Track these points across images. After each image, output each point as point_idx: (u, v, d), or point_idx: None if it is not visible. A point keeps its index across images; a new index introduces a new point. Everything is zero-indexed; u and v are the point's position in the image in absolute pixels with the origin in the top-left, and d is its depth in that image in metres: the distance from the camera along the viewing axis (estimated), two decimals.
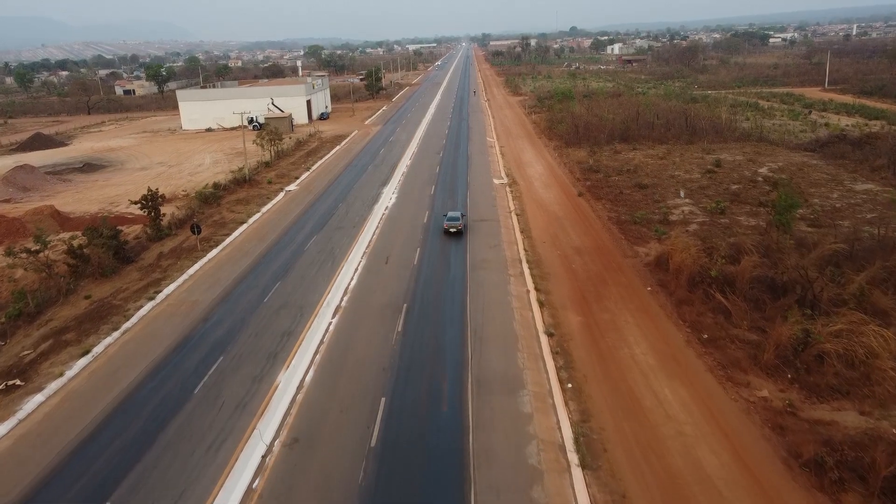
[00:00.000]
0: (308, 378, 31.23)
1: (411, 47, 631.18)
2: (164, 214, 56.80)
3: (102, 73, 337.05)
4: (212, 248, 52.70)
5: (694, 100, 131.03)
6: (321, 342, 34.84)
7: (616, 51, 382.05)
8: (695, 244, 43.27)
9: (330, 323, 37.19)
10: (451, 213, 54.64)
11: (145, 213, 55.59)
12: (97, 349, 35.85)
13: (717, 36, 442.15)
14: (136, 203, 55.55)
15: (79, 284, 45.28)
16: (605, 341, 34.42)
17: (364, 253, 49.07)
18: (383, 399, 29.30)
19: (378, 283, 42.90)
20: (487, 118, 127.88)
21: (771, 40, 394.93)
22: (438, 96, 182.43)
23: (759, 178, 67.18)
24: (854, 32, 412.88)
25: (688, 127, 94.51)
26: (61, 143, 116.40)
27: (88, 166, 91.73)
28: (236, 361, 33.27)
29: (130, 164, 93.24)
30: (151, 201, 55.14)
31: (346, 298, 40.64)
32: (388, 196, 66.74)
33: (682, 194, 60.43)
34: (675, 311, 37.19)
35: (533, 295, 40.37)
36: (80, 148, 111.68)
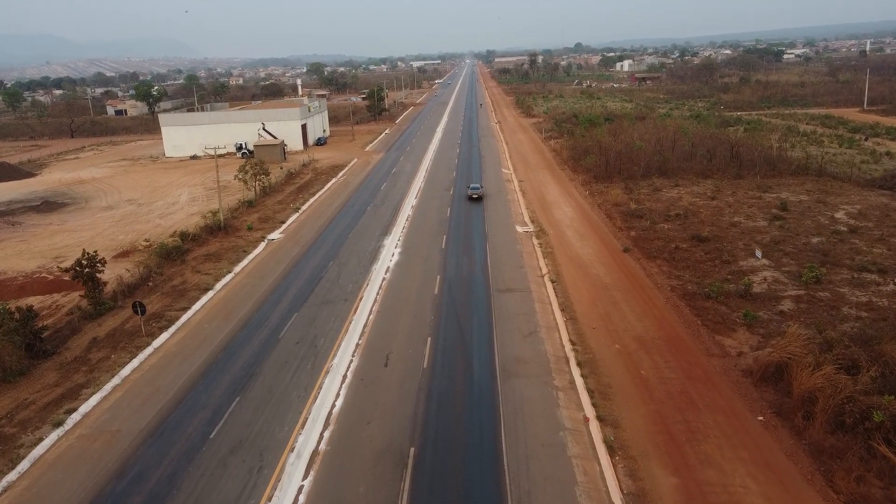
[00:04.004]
0: None
1: (415, 64, 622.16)
2: (104, 283, 44.76)
3: (98, 91, 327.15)
4: (161, 330, 40.58)
5: (727, 123, 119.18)
6: None
7: (626, 67, 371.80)
8: (815, 343, 31.05)
9: (300, 489, 24.87)
10: (473, 185, 75.02)
11: (80, 283, 43.56)
12: None
13: (727, 52, 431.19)
14: (66, 271, 43.53)
15: None
16: None
17: (357, 346, 36.80)
18: None
19: (374, 405, 30.59)
20: (500, 144, 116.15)
21: (785, 56, 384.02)
22: (445, 118, 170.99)
23: (843, 228, 54.96)
24: (868, 48, 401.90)
25: (734, 158, 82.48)
26: (28, 174, 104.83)
27: (47, 204, 79.92)
28: None
29: (96, 202, 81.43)
30: (88, 267, 43.12)
31: (327, 434, 28.34)
32: (390, 251, 54.58)
33: (758, 254, 48.21)
34: (817, 470, 24.82)
35: (596, 430, 28.05)
36: (48, 180, 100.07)
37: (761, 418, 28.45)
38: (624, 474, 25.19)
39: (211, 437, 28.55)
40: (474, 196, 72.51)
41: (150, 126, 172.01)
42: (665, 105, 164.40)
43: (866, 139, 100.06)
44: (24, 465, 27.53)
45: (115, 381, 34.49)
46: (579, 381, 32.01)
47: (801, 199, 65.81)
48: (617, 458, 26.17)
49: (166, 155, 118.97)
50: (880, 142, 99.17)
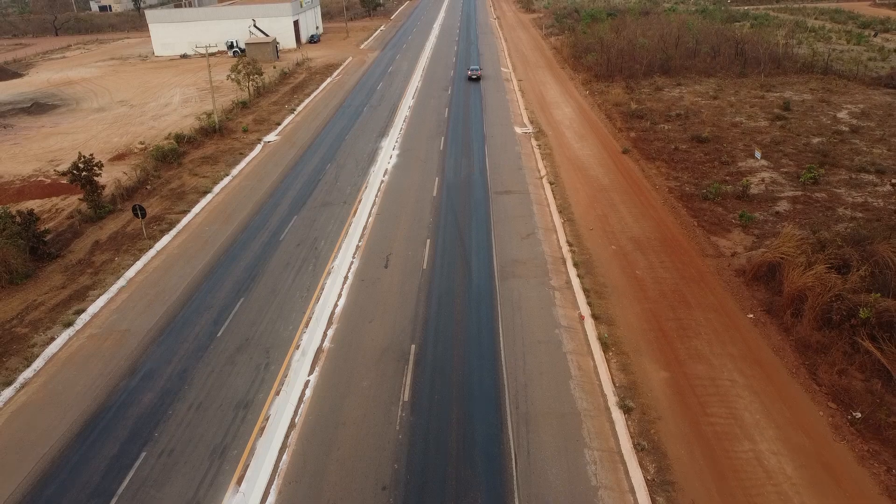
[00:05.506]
0: None
1: None
2: (103, 186, 44.65)
3: None
4: (162, 233, 40.98)
5: (733, 18, 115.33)
6: (291, 425, 23.73)
7: None
8: (808, 243, 31.53)
9: (306, 383, 25.96)
10: (472, 66, 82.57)
11: (78, 186, 43.50)
12: None
13: None
14: (64, 174, 43.39)
15: None
16: (709, 423, 23.30)
17: (357, 248, 37.30)
18: None
19: (376, 305, 31.39)
20: (499, 41, 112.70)
21: None
22: (442, 13, 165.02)
23: (845, 128, 54.47)
24: None
25: (738, 55, 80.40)
26: (15, 74, 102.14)
27: (37, 106, 78.34)
28: (165, 463, 22.26)
29: (87, 103, 79.82)
30: (85, 170, 42.92)
31: (330, 333, 29.25)
32: (388, 153, 54.20)
33: (757, 155, 47.97)
34: (802, 364, 25.88)
35: (591, 327, 28.97)
36: (36, 80, 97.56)
37: (751, 316, 29.33)
38: (616, 369, 26.26)
39: (218, 335, 29.46)
40: (473, 77, 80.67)
41: (136, 23, 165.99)
42: None
43: (875, 35, 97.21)
44: (38, 363, 28.55)
45: (121, 282, 35.13)
46: (575, 281, 32.72)
47: (805, 99, 64.79)
48: (610, 353, 27.18)
49: (155, 54, 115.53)
50: (889, 37, 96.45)
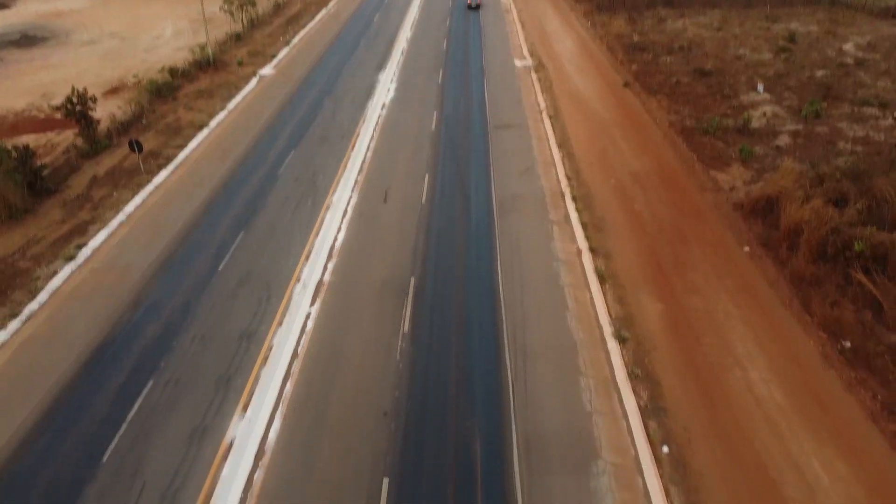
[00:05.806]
0: (273, 436, 20.92)
1: None
2: (98, 121, 44.09)
3: None
4: (160, 168, 40.77)
5: None
6: (294, 355, 24.26)
7: None
8: (807, 177, 31.60)
9: (308, 315, 26.39)
10: None
11: (73, 121, 43.01)
12: None
13: None
14: (58, 109, 42.85)
15: None
16: (702, 353, 23.85)
17: (355, 183, 37.23)
18: (385, 480, 19.21)
19: (375, 239, 31.60)
20: None
21: None
22: None
23: (850, 61, 53.59)
24: None
25: None
26: (2, 5, 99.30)
27: (26, 39, 76.54)
28: (172, 391, 22.85)
29: (77, 36, 77.91)
30: (79, 105, 42.37)
31: (330, 266, 29.55)
32: (386, 87, 53.35)
33: (760, 88, 47.38)
34: (796, 296, 26.28)
35: (588, 260, 29.27)
36: (24, 11, 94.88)
37: (748, 249, 29.59)
38: (613, 301, 26.67)
39: (219, 269, 29.71)
40: (472, 5, 79.60)
41: None
42: None
43: None
44: (43, 297, 28.84)
45: (121, 217, 35.15)
46: (574, 217, 32.84)
47: (811, 30, 63.50)
48: (607, 286, 27.55)
49: None
50: None
